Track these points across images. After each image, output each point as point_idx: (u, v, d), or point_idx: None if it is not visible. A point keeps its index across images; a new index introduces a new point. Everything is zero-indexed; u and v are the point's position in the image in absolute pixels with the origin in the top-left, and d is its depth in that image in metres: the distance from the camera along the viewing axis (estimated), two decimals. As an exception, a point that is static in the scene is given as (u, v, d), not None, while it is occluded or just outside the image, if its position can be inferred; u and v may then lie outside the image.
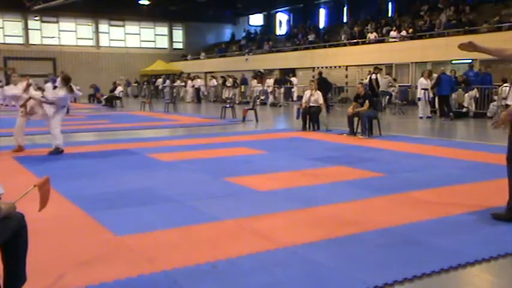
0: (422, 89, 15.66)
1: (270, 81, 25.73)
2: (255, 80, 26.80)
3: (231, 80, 26.96)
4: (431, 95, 15.84)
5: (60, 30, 37.62)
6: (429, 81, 15.81)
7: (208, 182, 6.16)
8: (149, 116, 17.78)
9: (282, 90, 24.85)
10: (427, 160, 7.64)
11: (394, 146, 9.27)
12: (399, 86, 20.36)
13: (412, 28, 23.20)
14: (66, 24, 37.73)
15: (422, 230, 4.10)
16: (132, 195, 5.40)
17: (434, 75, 16.04)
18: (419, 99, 15.83)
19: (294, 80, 25.35)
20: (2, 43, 35.61)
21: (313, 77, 23.10)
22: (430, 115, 15.75)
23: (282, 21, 41.59)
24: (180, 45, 42.21)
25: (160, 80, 34.49)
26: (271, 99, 24.67)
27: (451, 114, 14.94)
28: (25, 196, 2.78)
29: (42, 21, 36.78)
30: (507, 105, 11.61)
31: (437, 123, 14.37)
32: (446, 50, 19.98)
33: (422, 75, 16.28)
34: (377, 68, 18.50)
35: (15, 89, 8.83)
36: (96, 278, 3.12)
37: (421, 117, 15.49)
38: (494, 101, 15.35)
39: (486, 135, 11.77)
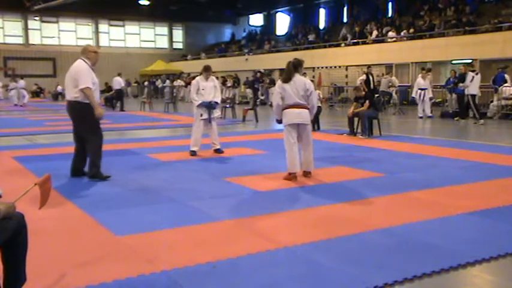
0: (419, 89, 15.88)
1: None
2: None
3: (231, 80, 26.92)
4: (430, 94, 15.98)
5: (60, 30, 37.68)
6: (428, 81, 16.00)
7: (208, 182, 6.16)
8: (149, 116, 17.77)
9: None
10: (427, 160, 7.63)
11: (394, 146, 9.26)
12: (399, 85, 20.34)
13: (413, 28, 23.20)
14: (66, 24, 37.77)
15: (422, 230, 4.10)
16: (132, 195, 5.40)
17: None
18: (430, 98, 16.00)
19: None
20: (2, 43, 35.65)
21: (313, 77, 23.13)
22: (431, 115, 15.81)
23: (283, 21, 41.59)
24: (180, 45, 42.22)
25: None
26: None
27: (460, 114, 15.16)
28: (25, 195, 2.78)
29: (42, 21, 36.82)
30: None
31: (437, 123, 14.36)
32: (446, 50, 20.00)
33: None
34: (369, 68, 18.53)
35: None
36: (96, 278, 3.12)
37: (421, 117, 15.67)
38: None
39: (486, 135, 11.77)
